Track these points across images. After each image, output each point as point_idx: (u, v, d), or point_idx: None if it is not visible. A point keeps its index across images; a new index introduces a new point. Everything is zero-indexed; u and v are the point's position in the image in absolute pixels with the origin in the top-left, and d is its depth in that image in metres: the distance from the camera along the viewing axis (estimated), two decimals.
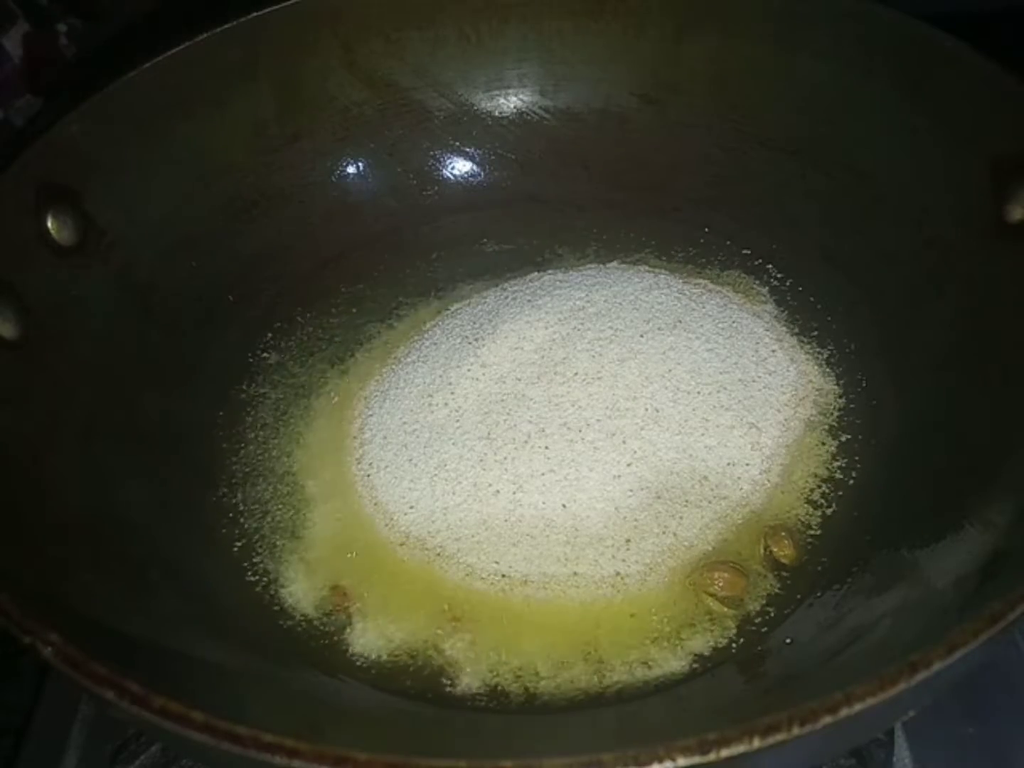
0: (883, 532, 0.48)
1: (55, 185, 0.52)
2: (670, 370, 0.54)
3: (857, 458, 0.52)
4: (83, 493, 0.46)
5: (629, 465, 0.51)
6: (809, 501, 0.51)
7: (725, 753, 0.27)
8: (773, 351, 0.57)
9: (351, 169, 0.68)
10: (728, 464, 0.52)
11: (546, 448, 0.51)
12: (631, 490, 0.50)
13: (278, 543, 0.51)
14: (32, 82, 0.89)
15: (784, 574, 0.48)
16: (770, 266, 0.63)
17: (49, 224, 0.51)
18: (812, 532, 0.50)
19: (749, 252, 0.64)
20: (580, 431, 0.52)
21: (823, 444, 0.53)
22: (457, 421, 0.54)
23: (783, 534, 0.49)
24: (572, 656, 0.45)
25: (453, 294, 0.64)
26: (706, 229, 0.66)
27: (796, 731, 0.28)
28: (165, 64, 0.58)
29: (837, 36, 0.58)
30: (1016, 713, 0.49)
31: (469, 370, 0.56)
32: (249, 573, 0.50)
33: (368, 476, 0.54)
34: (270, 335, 0.62)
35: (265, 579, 0.50)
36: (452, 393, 0.55)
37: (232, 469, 0.55)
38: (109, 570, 0.43)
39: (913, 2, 0.55)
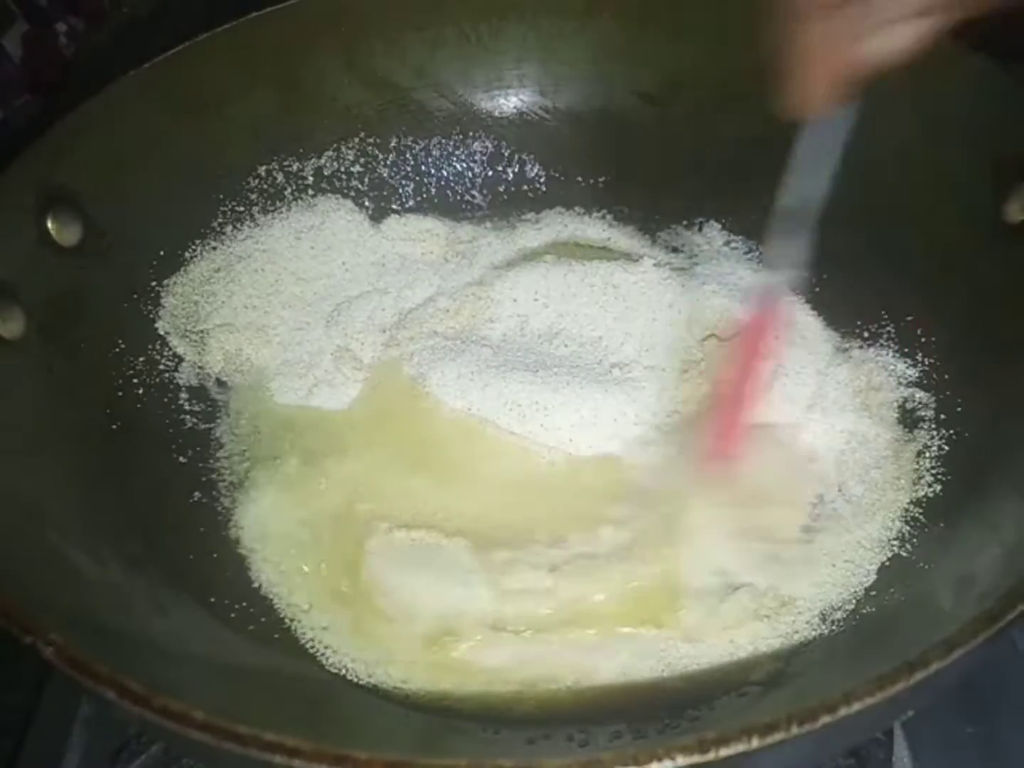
0: (884, 532, 0.48)
1: (55, 185, 0.52)
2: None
3: (857, 456, 0.52)
4: (83, 493, 0.46)
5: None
6: (809, 503, 0.51)
7: (724, 752, 0.27)
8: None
9: (351, 169, 0.68)
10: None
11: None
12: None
13: (278, 543, 0.51)
14: (32, 82, 0.89)
15: (782, 569, 0.48)
16: None
17: (49, 224, 0.51)
18: (812, 530, 0.50)
19: (749, 252, 0.64)
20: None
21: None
22: None
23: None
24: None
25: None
26: (707, 229, 0.66)
27: (795, 730, 0.28)
28: (165, 64, 0.58)
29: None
30: (1014, 713, 0.49)
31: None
32: (250, 573, 0.50)
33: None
34: None
35: (265, 580, 0.50)
36: None
37: (232, 470, 0.55)
38: (109, 570, 0.43)
39: None
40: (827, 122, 0.38)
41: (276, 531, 0.52)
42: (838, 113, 0.37)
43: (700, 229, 0.66)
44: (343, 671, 0.46)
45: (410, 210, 0.68)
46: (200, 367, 0.58)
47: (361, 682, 0.45)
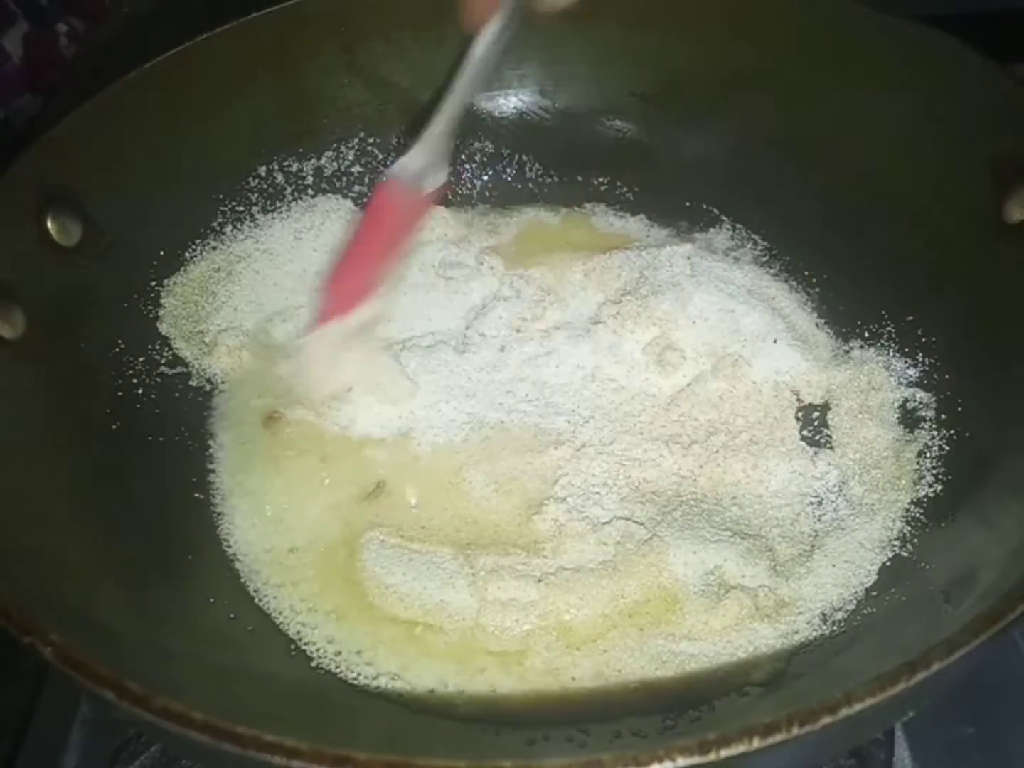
0: (885, 532, 0.48)
1: (55, 186, 0.52)
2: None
3: (857, 456, 0.52)
4: (83, 493, 0.46)
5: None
6: (810, 503, 0.51)
7: (725, 753, 0.27)
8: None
9: (351, 169, 0.68)
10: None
11: None
12: None
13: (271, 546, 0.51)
14: (32, 82, 0.89)
15: (782, 569, 0.48)
16: (771, 267, 0.63)
17: (49, 224, 0.51)
18: (811, 528, 0.50)
19: (752, 248, 0.64)
20: None
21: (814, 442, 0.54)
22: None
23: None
24: None
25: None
26: (707, 229, 0.66)
27: (796, 731, 0.28)
28: (165, 64, 0.58)
29: (837, 37, 0.58)
30: (1016, 713, 0.49)
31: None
32: (246, 575, 0.50)
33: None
34: None
35: (260, 582, 0.50)
36: None
37: (232, 471, 0.55)
38: (109, 570, 0.43)
39: (914, 3, 0.55)
40: (487, 36, 0.50)
41: (270, 533, 0.51)
42: (495, 30, 0.49)
43: (702, 228, 0.66)
44: (341, 672, 0.46)
45: None
46: (200, 368, 0.58)
47: (360, 683, 0.45)
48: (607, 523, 0.49)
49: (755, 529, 0.49)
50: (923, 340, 0.54)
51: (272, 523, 0.52)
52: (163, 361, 0.57)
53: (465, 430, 0.55)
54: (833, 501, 0.51)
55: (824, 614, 0.45)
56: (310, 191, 0.66)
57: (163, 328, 0.58)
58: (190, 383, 0.58)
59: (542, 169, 0.69)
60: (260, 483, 0.54)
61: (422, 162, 0.52)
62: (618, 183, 0.68)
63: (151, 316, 0.58)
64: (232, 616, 0.47)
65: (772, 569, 0.47)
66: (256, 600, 0.49)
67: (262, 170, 0.65)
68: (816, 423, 0.55)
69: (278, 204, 0.65)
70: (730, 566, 0.47)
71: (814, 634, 0.45)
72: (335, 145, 0.67)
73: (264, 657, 0.46)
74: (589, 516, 0.50)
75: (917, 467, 0.50)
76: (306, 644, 0.47)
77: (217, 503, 0.53)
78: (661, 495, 0.51)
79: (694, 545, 0.48)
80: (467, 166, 0.69)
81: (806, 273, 0.62)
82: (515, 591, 0.47)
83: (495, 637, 0.46)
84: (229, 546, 0.51)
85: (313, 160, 0.66)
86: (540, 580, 0.47)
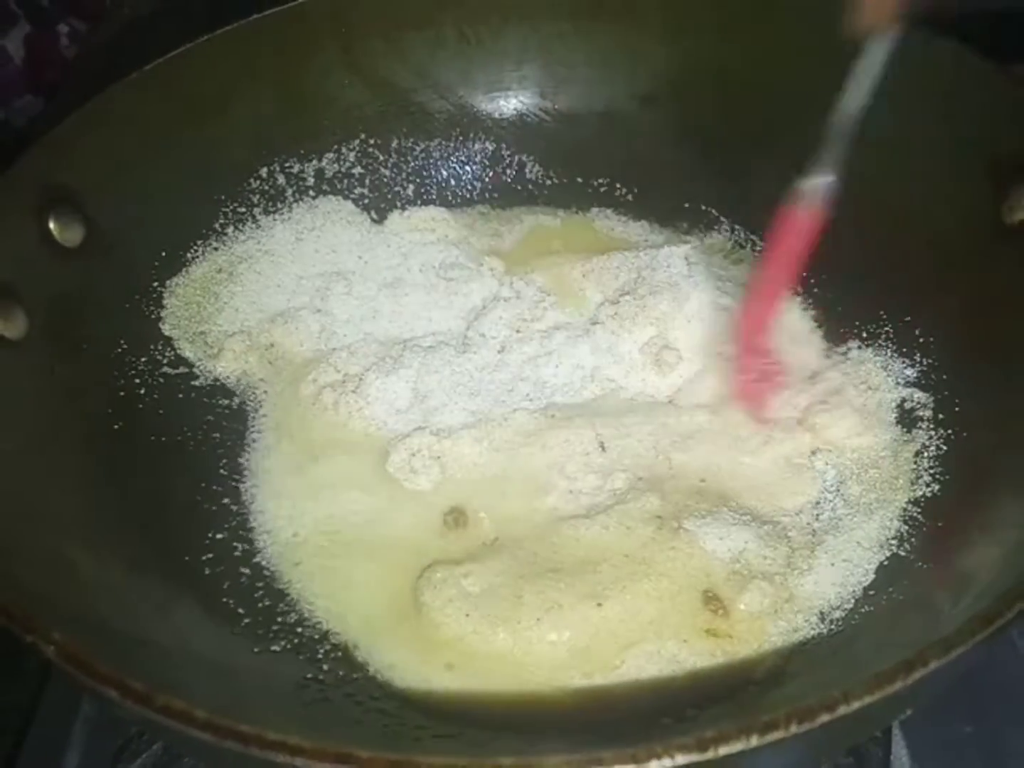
0: (882, 531, 0.48)
1: (56, 186, 0.52)
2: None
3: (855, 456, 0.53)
4: (85, 493, 0.47)
5: None
6: (808, 502, 0.51)
7: (723, 751, 0.27)
8: None
9: (352, 171, 0.68)
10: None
11: None
12: None
13: (276, 543, 0.51)
14: (33, 83, 0.89)
15: (793, 559, 0.48)
16: None
17: (51, 225, 0.51)
18: (811, 529, 0.50)
19: (751, 250, 0.64)
20: None
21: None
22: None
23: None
24: None
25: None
26: (707, 231, 0.66)
27: (794, 729, 0.28)
28: (165, 65, 0.58)
29: (836, 39, 0.58)
30: (1014, 713, 0.49)
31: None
32: (250, 574, 0.50)
33: None
34: None
35: (265, 580, 0.50)
36: None
37: (230, 469, 0.55)
38: (111, 570, 0.43)
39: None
40: (881, 41, 0.45)
41: (286, 531, 0.52)
42: (891, 33, 0.45)
43: (702, 229, 0.66)
44: (344, 671, 0.46)
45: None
46: (203, 368, 0.58)
47: (361, 681, 0.45)
48: (631, 525, 0.49)
49: (767, 516, 0.50)
50: (921, 340, 0.54)
51: (277, 520, 0.52)
52: (165, 361, 0.57)
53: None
54: (831, 501, 0.51)
55: (822, 612, 0.46)
56: (311, 192, 0.67)
57: (165, 329, 0.58)
58: (192, 383, 0.58)
59: (542, 170, 0.69)
60: (265, 485, 0.54)
61: (828, 177, 0.51)
62: (618, 185, 0.68)
63: (153, 317, 0.58)
64: (234, 615, 0.47)
65: (788, 557, 0.47)
66: (258, 599, 0.49)
67: (263, 171, 0.65)
68: None
69: (279, 205, 0.65)
70: (753, 547, 0.47)
71: (812, 632, 0.45)
72: (336, 146, 0.67)
73: (267, 655, 0.46)
74: (612, 517, 0.50)
75: (915, 467, 0.50)
76: (310, 642, 0.47)
77: (218, 503, 0.53)
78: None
79: (719, 530, 0.48)
80: (467, 167, 0.69)
81: (804, 273, 0.61)
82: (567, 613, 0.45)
83: (537, 658, 0.45)
84: (229, 546, 0.51)
85: (314, 161, 0.67)
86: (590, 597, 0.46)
